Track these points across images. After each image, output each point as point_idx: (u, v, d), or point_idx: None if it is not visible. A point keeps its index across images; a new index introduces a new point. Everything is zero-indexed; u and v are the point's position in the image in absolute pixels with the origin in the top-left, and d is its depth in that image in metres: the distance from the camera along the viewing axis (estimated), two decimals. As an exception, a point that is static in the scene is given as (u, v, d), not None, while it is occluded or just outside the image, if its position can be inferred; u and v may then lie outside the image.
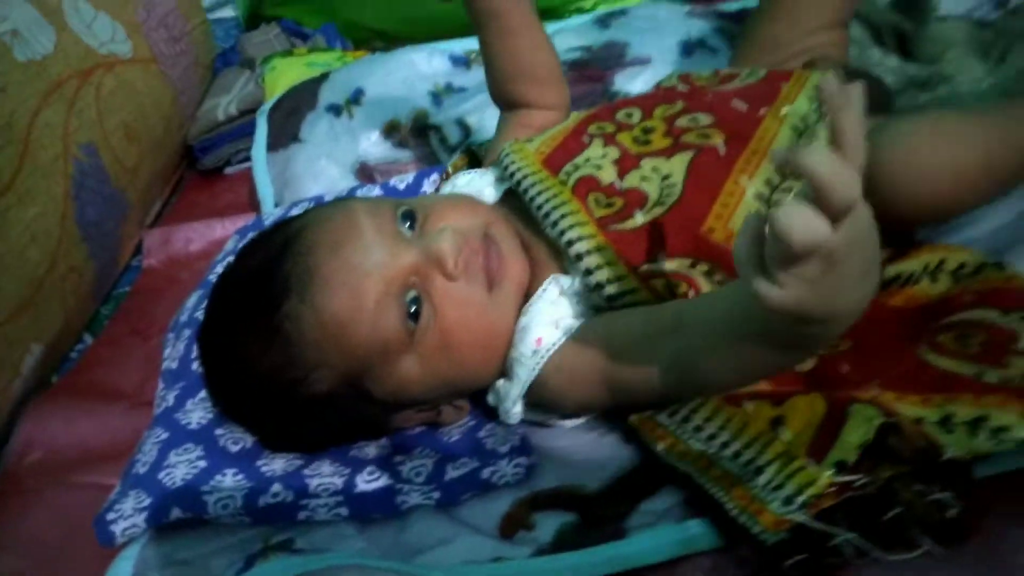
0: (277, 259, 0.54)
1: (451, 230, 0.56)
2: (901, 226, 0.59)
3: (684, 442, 0.51)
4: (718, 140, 0.59)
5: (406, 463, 0.60)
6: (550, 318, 0.57)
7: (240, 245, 0.82)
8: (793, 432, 0.47)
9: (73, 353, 0.85)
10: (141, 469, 0.61)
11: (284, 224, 0.59)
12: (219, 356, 0.60)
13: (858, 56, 0.77)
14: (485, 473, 0.58)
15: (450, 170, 0.78)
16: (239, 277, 0.58)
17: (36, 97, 0.80)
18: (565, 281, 0.58)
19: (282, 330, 0.53)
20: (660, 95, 0.68)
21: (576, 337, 0.55)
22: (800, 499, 0.44)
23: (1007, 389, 0.47)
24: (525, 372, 0.56)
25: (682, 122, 0.62)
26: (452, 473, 0.58)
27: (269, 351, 0.54)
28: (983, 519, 0.44)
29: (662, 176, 0.58)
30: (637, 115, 0.65)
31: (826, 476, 0.44)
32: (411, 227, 0.57)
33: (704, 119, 0.62)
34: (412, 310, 0.54)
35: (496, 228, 0.59)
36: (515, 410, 0.58)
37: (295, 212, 0.84)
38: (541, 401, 0.58)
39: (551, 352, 0.55)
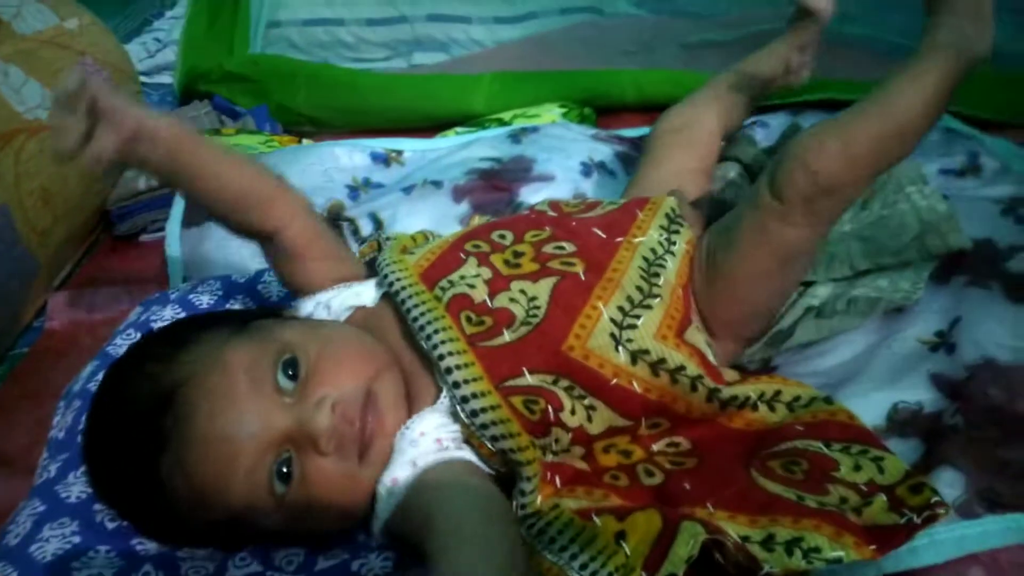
0: (155, 412, 0.56)
1: (329, 404, 0.57)
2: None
3: (539, 553, 0.55)
4: (579, 268, 0.66)
5: (279, 551, 0.62)
6: (409, 458, 0.59)
7: (143, 317, 0.84)
8: (632, 546, 0.52)
9: (-41, 414, 0.84)
10: (12, 541, 0.61)
11: (166, 360, 0.59)
12: (103, 478, 0.63)
13: (734, 195, 0.86)
14: (354, 566, 0.60)
15: (360, 252, 0.83)
16: (119, 408, 0.60)
17: (-46, 157, 0.82)
18: (428, 419, 0.61)
19: (157, 482, 0.57)
20: (532, 219, 0.74)
21: (416, 486, 0.58)
22: None
23: (823, 513, 0.54)
24: (381, 510, 0.59)
25: (548, 249, 0.68)
26: (322, 564, 0.61)
27: (146, 494, 0.58)
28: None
29: (529, 298, 0.64)
30: (509, 237, 0.71)
31: None
32: (293, 376, 0.59)
33: (568, 247, 0.68)
34: (283, 470, 0.57)
35: (380, 381, 0.61)
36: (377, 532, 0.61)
37: (201, 290, 0.87)
38: (399, 532, 0.59)
39: (403, 494, 0.58)
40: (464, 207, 0.98)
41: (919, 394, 0.67)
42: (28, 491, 0.67)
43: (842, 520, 0.53)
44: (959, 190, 0.94)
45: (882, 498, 0.55)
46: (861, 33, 1.31)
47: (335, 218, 0.99)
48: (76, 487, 0.66)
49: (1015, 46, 1.09)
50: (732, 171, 0.87)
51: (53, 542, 0.61)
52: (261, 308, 0.70)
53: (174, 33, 1.72)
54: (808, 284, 0.78)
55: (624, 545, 0.52)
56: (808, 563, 0.50)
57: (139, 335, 0.80)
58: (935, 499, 0.53)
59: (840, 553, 0.51)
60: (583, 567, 0.52)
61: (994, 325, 0.71)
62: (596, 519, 0.55)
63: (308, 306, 0.71)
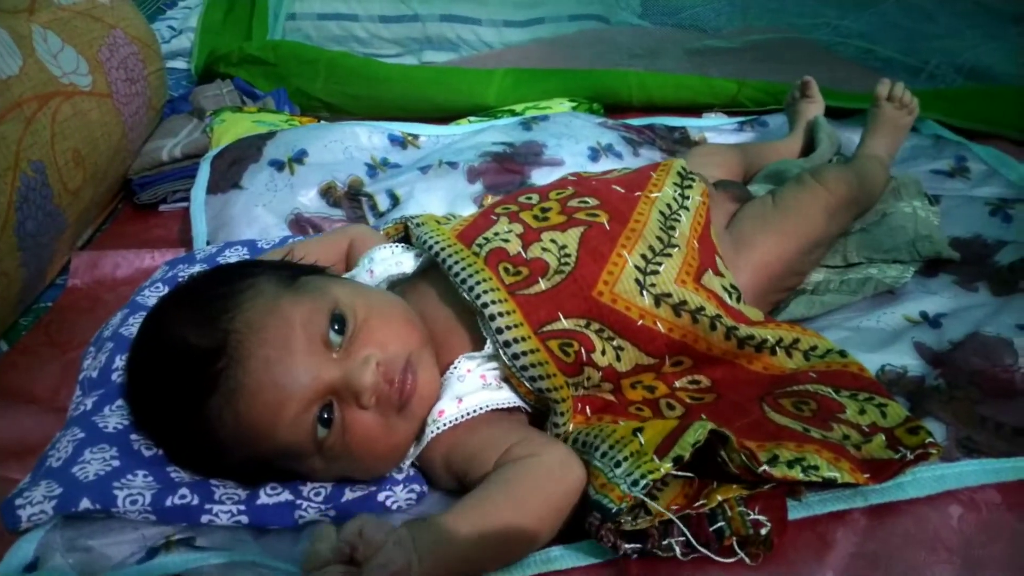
0: (209, 354, 0.58)
1: (373, 363, 0.60)
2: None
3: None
4: (603, 218, 0.71)
5: (307, 482, 0.65)
6: (455, 393, 0.64)
7: (169, 274, 0.88)
8: (647, 437, 0.57)
9: (-14, 357, 0.87)
10: (54, 463, 0.64)
11: (221, 303, 0.61)
12: (146, 411, 0.66)
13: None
14: (380, 497, 0.64)
15: (385, 232, 0.86)
16: (170, 347, 0.61)
17: (-5, 112, 0.85)
18: (471, 361, 0.66)
19: (204, 419, 0.59)
20: (554, 184, 0.81)
21: (464, 427, 0.63)
22: (643, 482, 0.54)
23: (824, 443, 0.59)
24: (423, 438, 0.63)
25: (573, 203, 0.74)
26: (349, 495, 0.64)
27: (190, 429, 0.60)
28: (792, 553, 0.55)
29: (560, 246, 0.69)
30: (535, 198, 0.76)
31: (665, 467, 0.54)
32: (339, 331, 0.61)
33: (591, 201, 0.74)
34: (324, 417, 0.60)
35: (419, 353, 0.64)
36: (408, 463, 0.65)
37: (228, 253, 0.90)
38: (427, 463, 0.65)
39: (446, 427, 0.63)
40: (478, 187, 1.03)
41: (904, 359, 0.73)
42: (55, 428, 0.70)
43: (842, 449, 0.58)
44: (950, 190, 1.01)
45: (881, 437, 0.59)
46: (857, 49, 1.39)
47: (355, 193, 1.03)
48: (112, 419, 0.69)
49: (995, 64, 1.17)
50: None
51: (94, 464, 0.64)
52: (306, 264, 0.74)
53: (188, 21, 1.77)
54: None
55: (639, 436, 0.57)
56: (806, 476, 0.55)
57: (168, 289, 0.84)
58: (929, 440, 0.58)
59: (836, 474, 0.56)
60: (603, 455, 0.58)
61: (979, 313, 0.78)
62: (620, 422, 0.60)
63: (358, 268, 0.77)
